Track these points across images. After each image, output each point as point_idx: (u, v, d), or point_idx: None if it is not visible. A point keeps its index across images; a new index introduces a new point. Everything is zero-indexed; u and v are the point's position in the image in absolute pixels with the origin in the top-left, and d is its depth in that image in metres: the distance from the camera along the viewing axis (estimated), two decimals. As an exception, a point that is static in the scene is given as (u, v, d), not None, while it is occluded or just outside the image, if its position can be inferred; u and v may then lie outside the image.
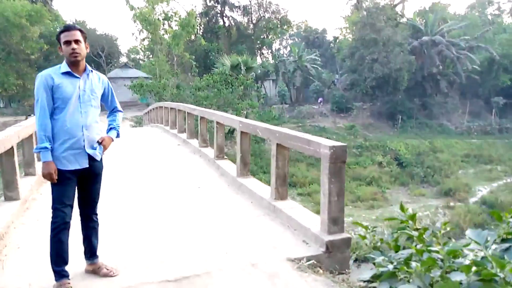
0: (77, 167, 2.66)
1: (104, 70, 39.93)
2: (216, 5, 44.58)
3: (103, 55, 39.77)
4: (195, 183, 5.57)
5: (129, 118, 34.35)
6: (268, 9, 46.44)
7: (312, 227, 3.37)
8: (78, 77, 2.67)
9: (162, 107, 13.79)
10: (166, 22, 32.33)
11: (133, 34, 53.86)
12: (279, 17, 46.10)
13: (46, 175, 2.57)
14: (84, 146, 2.67)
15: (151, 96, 26.65)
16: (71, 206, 2.66)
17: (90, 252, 2.87)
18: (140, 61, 44.91)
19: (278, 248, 3.28)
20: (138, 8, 30.30)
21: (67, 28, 2.64)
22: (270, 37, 47.83)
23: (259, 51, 47.76)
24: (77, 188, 2.75)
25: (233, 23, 46.11)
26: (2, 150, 4.08)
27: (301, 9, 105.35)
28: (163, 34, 32.18)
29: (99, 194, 2.88)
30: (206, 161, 7.02)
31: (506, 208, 2.08)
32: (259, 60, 44.33)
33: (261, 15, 46.36)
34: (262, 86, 41.45)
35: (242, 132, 5.24)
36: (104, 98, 2.91)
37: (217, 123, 6.57)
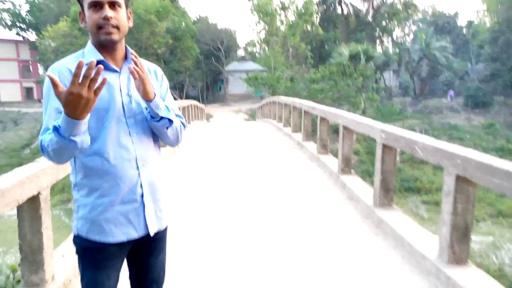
0: (133, 235, 1.48)
1: (223, 63, 41.08)
2: (334, -8, 42.42)
3: (222, 49, 40.85)
4: (314, 209, 4.25)
5: (243, 111, 34.83)
6: (392, -8, 42.59)
7: None
8: (116, 71, 1.47)
9: (276, 102, 12.80)
10: (283, 12, 31.58)
11: (249, 26, 54.70)
12: (404, 1, 41.92)
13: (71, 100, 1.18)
14: (142, 196, 1.48)
15: (265, 89, 26.20)
16: None
17: None
18: (257, 54, 45.23)
19: None
20: (255, -1, 30.12)
21: None
22: (391, 23, 43.89)
23: (379, 40, 44.22)
24: (128, 263, 1.62)
25: (351, 11, 43.45)
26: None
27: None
28: (280, 26, 31.52)
29: (164, 269, 1.68)
30: (327, 174, 5.64)
31: None
32: (378, 49, 40.98)
33: (383, 0, 42.73)
34: (382, 77, 38.23)
35: (385, 146, 3.74)
36: None
37: (345, 128, 5.12)
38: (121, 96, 1.46)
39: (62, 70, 1.41)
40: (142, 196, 1.49)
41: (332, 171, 5.47)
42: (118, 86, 1.46)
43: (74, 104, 1.18)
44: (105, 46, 1.45)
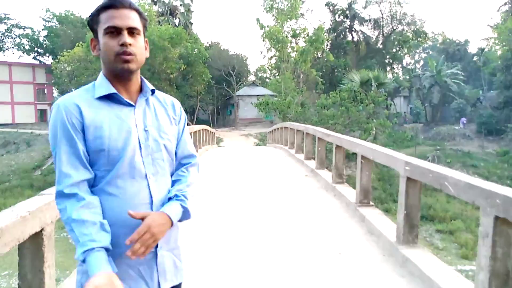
0: None
1: (233, 88, 41.46)
2: (345, 20, 43.12)
3: (233, 74, 41.31)
4: (332, 244, 4.01)
5: (253, 135, 34.82)
6: (402, 21, 43.09)
7: None
8: (131, 105, 1.32)
9: (287, 127, 12.67)
10: (293, 39, 31.94)
11: (261, 52, 55.44)
12: (414, 29, 42.27)
13: None
14: (156, 245, 1.30)
15: (275, 114, 26.24)
16: None
17: None
18: (267, 79, 45.65)
19: None
20: (267, 26, 30.52)
21: (114, 3, 1.27)
22: (401, 50, 44.14)
23: (389, 66, 44.40)
24: None
25: (362, 38, 43.95)
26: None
27: (437, 20, 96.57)
28: (291, 52, 31.81)
29: None
30: (344, 206, 5.40)
31: None
32: (389, 75, 41.09)
33: (394, 28, 43.20)
34: (393, 103, 38.11)
35: (409, 179, 3.53)
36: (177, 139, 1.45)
37: (363, 157, 4.93)
38: (137, 132, 1.29)
39: (69, 107, 1.25)
40: (156, 246, 1.31)
41: (350, 202, 5.23)
42: (133, 122, 1.30)
43: None
44: (119, 77, 1.30)
